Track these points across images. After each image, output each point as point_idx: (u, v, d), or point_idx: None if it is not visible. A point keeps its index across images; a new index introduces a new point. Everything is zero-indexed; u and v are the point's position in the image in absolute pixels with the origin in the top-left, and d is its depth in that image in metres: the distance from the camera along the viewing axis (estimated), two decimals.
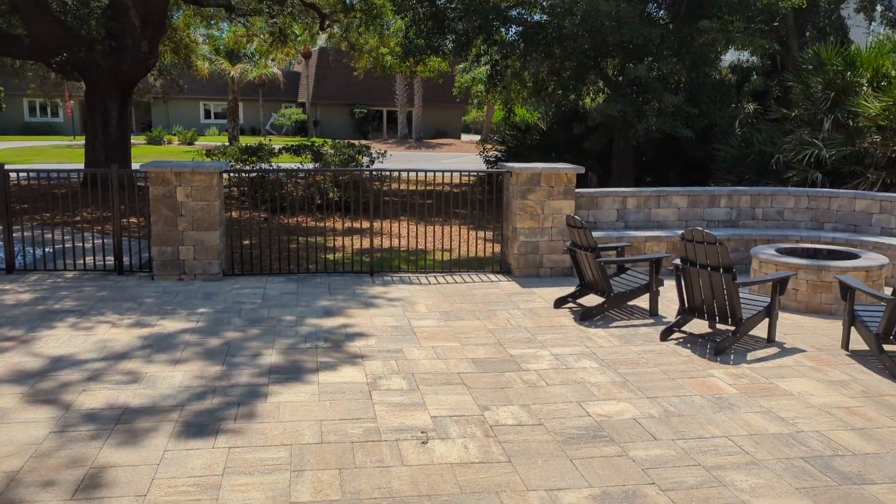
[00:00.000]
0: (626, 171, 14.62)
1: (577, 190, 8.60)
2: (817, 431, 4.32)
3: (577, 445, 4.12)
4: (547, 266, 8.45)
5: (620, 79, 13.97)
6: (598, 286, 6.82)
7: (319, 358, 5.52)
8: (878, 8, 18.48)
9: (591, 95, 15.74)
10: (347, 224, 12.00)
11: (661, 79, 12.72)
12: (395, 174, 9.37)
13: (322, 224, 11.81)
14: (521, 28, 13.91)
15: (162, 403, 4.56)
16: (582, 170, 8.52)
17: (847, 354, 5.75)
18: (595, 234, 8.34)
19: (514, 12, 13.64)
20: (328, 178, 13.05)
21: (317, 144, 15.59)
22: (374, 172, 8.90)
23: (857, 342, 5.94)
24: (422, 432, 4.25)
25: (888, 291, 7.24)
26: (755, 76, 17.57)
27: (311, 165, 14.39)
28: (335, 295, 7.52)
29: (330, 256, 9.49)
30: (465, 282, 8.26)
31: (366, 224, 10.94)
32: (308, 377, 5.10)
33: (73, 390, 4.74)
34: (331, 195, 12.81)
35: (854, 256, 7.14)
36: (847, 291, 5.70)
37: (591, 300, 7.23)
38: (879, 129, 10.51)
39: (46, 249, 9.18)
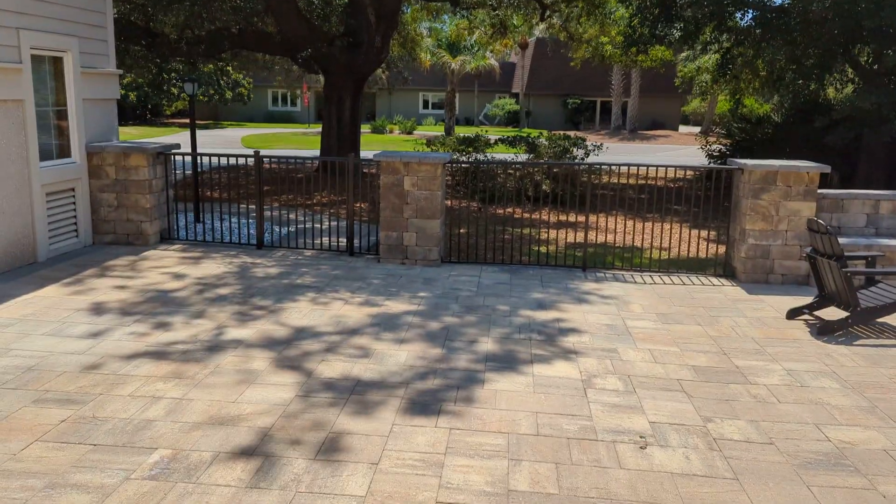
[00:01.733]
0: (876, 172, 13.04)
1: (819, 191, 7.83)
2: None
3: (814, 472, 3.77)
4: (778, 272, 7.80)
5: (876, 67, 12.47)
6: (842, 298, 6.17)
7: (533, 350, 5.56)
8: None
9: (837, 86, 14.20)
10: (559, 217, 11.95)
11: None
12: (610, 168, 9.15)
13: (533, 216, 11.87)
14: (757, 13, 12.90)
15: (389, 379, 4.86)
16: (827, 169, 7.74)
17: None
18: (840, 240, 7.54)
19: None
20: (542, 169, 13.07)
21: (532, 136, 15.67)
22: (589, 165, 8.76)
23: None
24: (640, 437, 4.13)
25: None
26: None
27: (525, 157, 14.51)
28: (547, 288, 7.52)
29: (542, 249, 9.52)
30: (684, 283, 7.88)
31: (578, 218, 10.81)
32: (523, 368, 5.16)
33: (313, 359, 5.20)
34: (543, 187, 12.82)
35: None
36: None
37: (832, 314, 6.57)
38: None
39: (290, 229, 10.14)
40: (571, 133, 19.52)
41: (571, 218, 11.36)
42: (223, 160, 16.18)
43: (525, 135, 15.96)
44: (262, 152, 9.06)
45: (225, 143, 28.75)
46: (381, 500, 3.38)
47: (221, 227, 9.52)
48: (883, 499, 3.52)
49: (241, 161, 16.70)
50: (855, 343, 5.91)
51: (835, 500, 3.51)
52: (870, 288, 6.45)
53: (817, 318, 6.52)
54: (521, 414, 4.38)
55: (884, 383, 5.03)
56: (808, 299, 6.87)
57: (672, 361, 5.40)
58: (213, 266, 7.95)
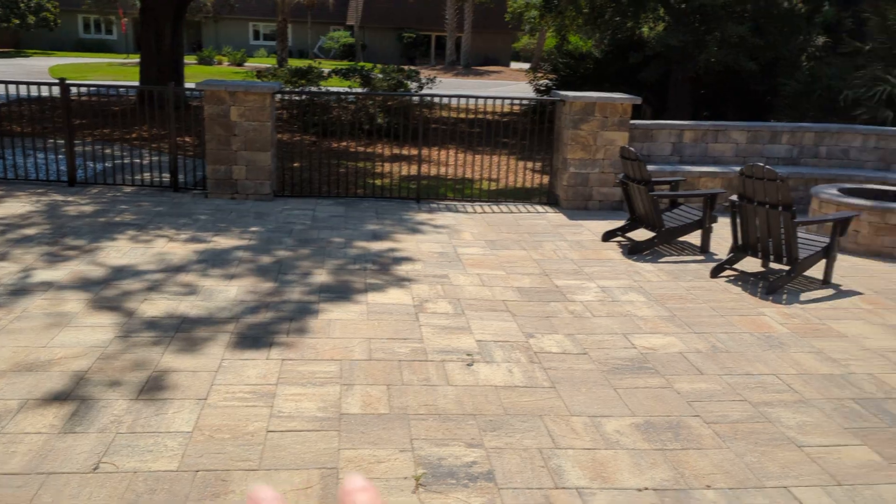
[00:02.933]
0: (683, 105, 14.16)
1: (631, 122, 8.38)
2: (870, 374, 4.27)
3: (621, 375, 4.16)
4: (596, 199, 8.34)
5: (683, 6, 13.38)
6: (649, 220, 6.73)
7: (368, 279, 5.61)
8: None
9: (651, 24, 15.12)
10: (394, 151, 11.96)
11: (726, 7, 12.13)
12: (444, 101, 9.24)
13: (368, 149, 11.80)
14: None
15: (218, 315, 4.71)
16: (639, 100, 8.29)
17: None
18: (649, 167, 8.16)
19: None
20: (376, 102, 12.95)
21: (366, 69, 15.41)
22: (423, 99, 8.80)
23: None
24: (467, 354, 4.33)
25: None
26: (827, 6, 16.65)
27: (359, 90, 14.28)
28: (382, 219, 7.57)
29: (377, 182, 9.52)
30: (512, 212, 8.23)
31: (412, 151, 10.89)
32: (357, 297, 5.20)
33: (134, 299, 4.92)
34: (378, 121, 12.74)
35: None
36: None
37: (642, 235, 7.15)
38: None
39: (106, 164, 9.39)
40: (408, 67, 19.39)
41: (406, 151, 11.41)
42: (23, 90, 14.53)
43: (359, 67, 15.67)
44: (71, 82, 8.23)
45: (28, 74, 25.80)
46: (210, 434, 3.32)
47: (26, 163, 8.63)
48: (677, 394, 3.96)
49: (46, 92, 15.11)
50: (660, 260, 6.49)
51: (637, 398, 3.89)
52: (673, 210, 7.07)
53: (629, 239, 7.08)
54: (354, 341, 4.43)
55: (682, 295, 5.60)
56: (622, 222, 7.42)
57: (498, 284, 5.66)
58: (18, 205, 7.22)
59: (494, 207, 8.40)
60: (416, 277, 5.72)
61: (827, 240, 5.86)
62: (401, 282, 5.60)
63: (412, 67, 18.82)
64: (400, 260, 6.17)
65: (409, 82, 14.45)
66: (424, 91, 14.47)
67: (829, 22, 15.68)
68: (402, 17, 46.56)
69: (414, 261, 6.16)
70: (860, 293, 5.73)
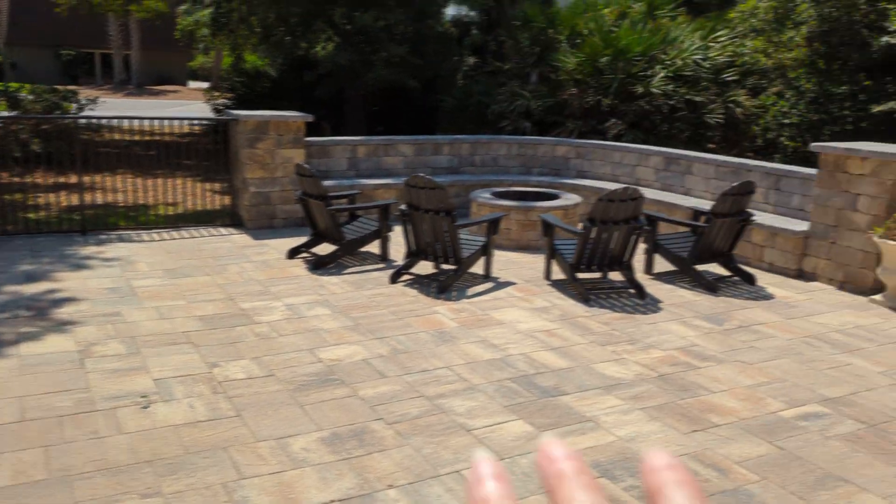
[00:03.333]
0: (358, 121, 14.78)
1: (307, 139, 8.52)
2: (523, 354, 4.85)
3: (307, 392, 4.19)
4: (280, 217, 8.32)
5: (348, 28, 13.98)
6: (331, 234, 6.90)
7: (20, 328, 4.93)
8: None
9: (323, 44, 15.53)
10: (56, 179, 10.70)
11: (387, 29, 12.95)
12: (112, 122, 8.52)
13: (25, 179, 10.41)
14: None
15: None
16: (311, 118, 8.45)
17: (549, 284, 6.49)
18: (328, 182, 8.37)
19: None
20: (28, 127, 11.46)
21: (11, 89, 13.55)
22: (87, 121, 8.00)
23: (558, 272, 6.72)
24: (142, 396, 4.02)
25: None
26: (475, 31, 18.65)
27: (6, 113, 12.50)
28: (39, 258, 6.72)
29: (32, 215, 8.43)
30: (194, 237, 7.86)
31: (77, 179, 9.85)
32: (6, 351, 4.54)
33: None
34: (33, 146, 11.28)
35: (555, 197, 8.02)
36: (547, 228, 6.40)
37: (326, 249, 7.30)
38: (576, 82, 11.78)
39: None
40: (67, 87, 17.45)
41: (67, 179, 10.27)
42: None
43: (2, 87, 13.72)
44: None
45: None
46: None
47: None
48: (362, 401, 4.10)
49: None
50: (344, 272, 6.69)
51: (323, 412, 3.96)
52: (353, 222, 7.34)
53: (313, 254, 7.18)
54: (1, 403, 3.86)
55: (365, 303, 5.83)
56: (306, 239, 7.51)
57: (179, 315, 5.36)
58: None
59: (174, 233, 7.94)
60: (82, 319, 5.18)
61: (485, 239, 6.54)
62: (62, 326, 5.02)
63: (71, 88, 17.00)
64: (61, 301, 5.53)
65: (67, 103, 13.02)
66: (87, 113, 13.16)
67: (477, 44, 17.61)
68: (59, 34, 41.82)
69: (79, 301, 5.57)
70: (514, 283, 6.50)
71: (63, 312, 5.31)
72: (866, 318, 5.74)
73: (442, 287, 6.11)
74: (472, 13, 19.02)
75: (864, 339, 5.28)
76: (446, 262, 6.31)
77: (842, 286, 6.43)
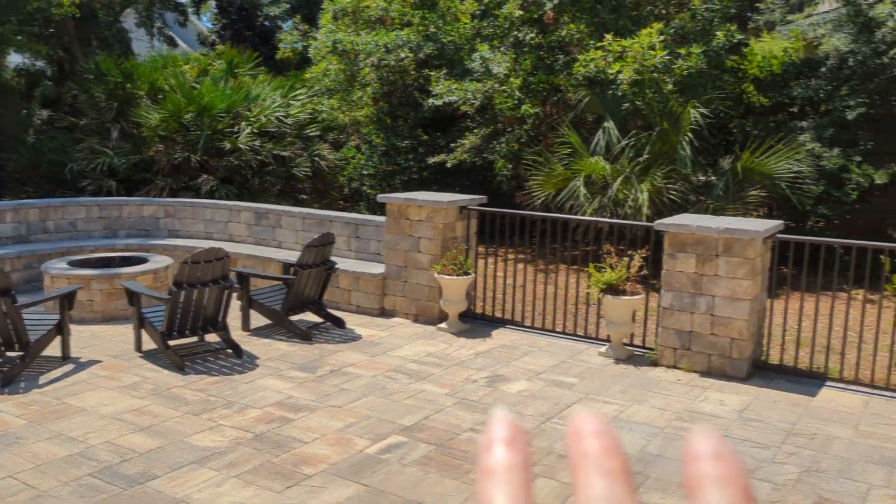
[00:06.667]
0: None
1: None
2: (107, 442, 4.45)
3: None
4: None
5: None
6: None
7: None
8: (157, 25, 19.86)
9: None
10: None
11: None
12: None
13: None
14: None
15: None
16: None
17: (140, 356, 6.09)
18: None
19: None
20: None
21: None
22: None
23: (151, 342, 6.34)
24: None
25: None
26: (47, 82, 16.83)
27: None
28: None
29: None
30: None
31: None
32: None
33: None
34: None
35: (144, 261, 7.58)
36: (132, 296, 6.02)
37: None
38: (162, 138, 11.38)
39: None
40: None
41: None
42: None
43: None
44: None
45: None
46: None
47: None
48: None
49: None
50: None
51: None
52: None
53: None
54: None
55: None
56: None
57: None
58: None
59: None
60: None
61: (59, 316, 5.88)
62: None
63: None
64: None
65: None
66: None
67: (50, 97, 15.92)
68: None
69: None
70: (99, 361, 5.95)
71: None
72: (435, 345, 6.57)
73: (6, 379, 5.31)
74: (40, 63, 17.16)
75: (433, 365, 6.04)
76: (11, 349, 5.51)
77: (416, 319, 7.27)
